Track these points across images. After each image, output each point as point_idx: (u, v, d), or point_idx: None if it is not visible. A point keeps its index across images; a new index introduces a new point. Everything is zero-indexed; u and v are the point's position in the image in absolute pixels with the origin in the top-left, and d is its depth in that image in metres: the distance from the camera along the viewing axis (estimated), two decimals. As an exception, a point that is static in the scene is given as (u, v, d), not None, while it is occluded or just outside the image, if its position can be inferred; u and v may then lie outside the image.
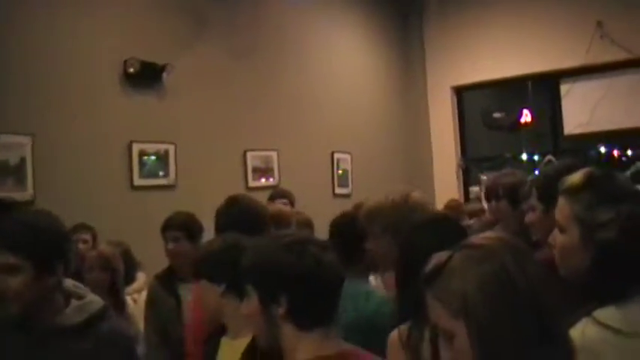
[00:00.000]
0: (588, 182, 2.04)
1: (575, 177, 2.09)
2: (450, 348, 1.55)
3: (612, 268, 1.85)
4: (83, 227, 5.11)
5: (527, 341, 1.50)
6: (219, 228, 3.63)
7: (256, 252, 2.17)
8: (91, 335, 2.34)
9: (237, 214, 3.66)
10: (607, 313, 1.81)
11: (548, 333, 1.54)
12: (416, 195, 3.04)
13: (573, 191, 2.05)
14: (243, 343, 2.52)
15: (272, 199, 5.77)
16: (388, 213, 2.95)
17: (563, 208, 2.07)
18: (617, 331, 1.78)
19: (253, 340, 2.45)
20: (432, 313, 1.59)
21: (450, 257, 1.56)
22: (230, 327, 2.71)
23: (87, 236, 5.11)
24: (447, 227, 2.53)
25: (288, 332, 2.03)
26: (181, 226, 4.32)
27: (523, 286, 1.52)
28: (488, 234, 1.66)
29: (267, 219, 3.79)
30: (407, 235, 2.50)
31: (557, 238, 2.09)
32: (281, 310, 2.00)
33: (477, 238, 1.62)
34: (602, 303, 1.85)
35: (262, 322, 2.07)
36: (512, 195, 3.93)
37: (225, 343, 2.74)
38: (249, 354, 2.46)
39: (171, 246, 4.29)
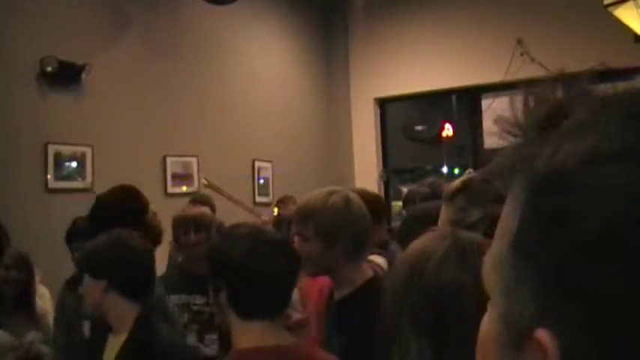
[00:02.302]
0: (463, 187, 2.14)
1: (454, 183, 2.20)
2: None
3: None
4: None
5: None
6: None
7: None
8: None
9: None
10: None
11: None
12: (357, 200, 2.66)
13: (449, 196, 2.17)
14: (122, 340, 2.54)
15: (193, 203, 5.73)
16: (326, 217, 2.57)
17: (442, 213, 2.17)
18: None
19: (129, 337, 2.49)
20: None
21: None
22: (112, 323, 2.71)
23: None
24: None
25: (232, 319, 2.12)
26: (84, 235, 4.31)
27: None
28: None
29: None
30: None
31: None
32: (223, 297, 2.12)
33: None
34: None
35: (216, 307, 2.22)
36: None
37: (109, 339, 2.73)
38: (123, 352, 2.49)
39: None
